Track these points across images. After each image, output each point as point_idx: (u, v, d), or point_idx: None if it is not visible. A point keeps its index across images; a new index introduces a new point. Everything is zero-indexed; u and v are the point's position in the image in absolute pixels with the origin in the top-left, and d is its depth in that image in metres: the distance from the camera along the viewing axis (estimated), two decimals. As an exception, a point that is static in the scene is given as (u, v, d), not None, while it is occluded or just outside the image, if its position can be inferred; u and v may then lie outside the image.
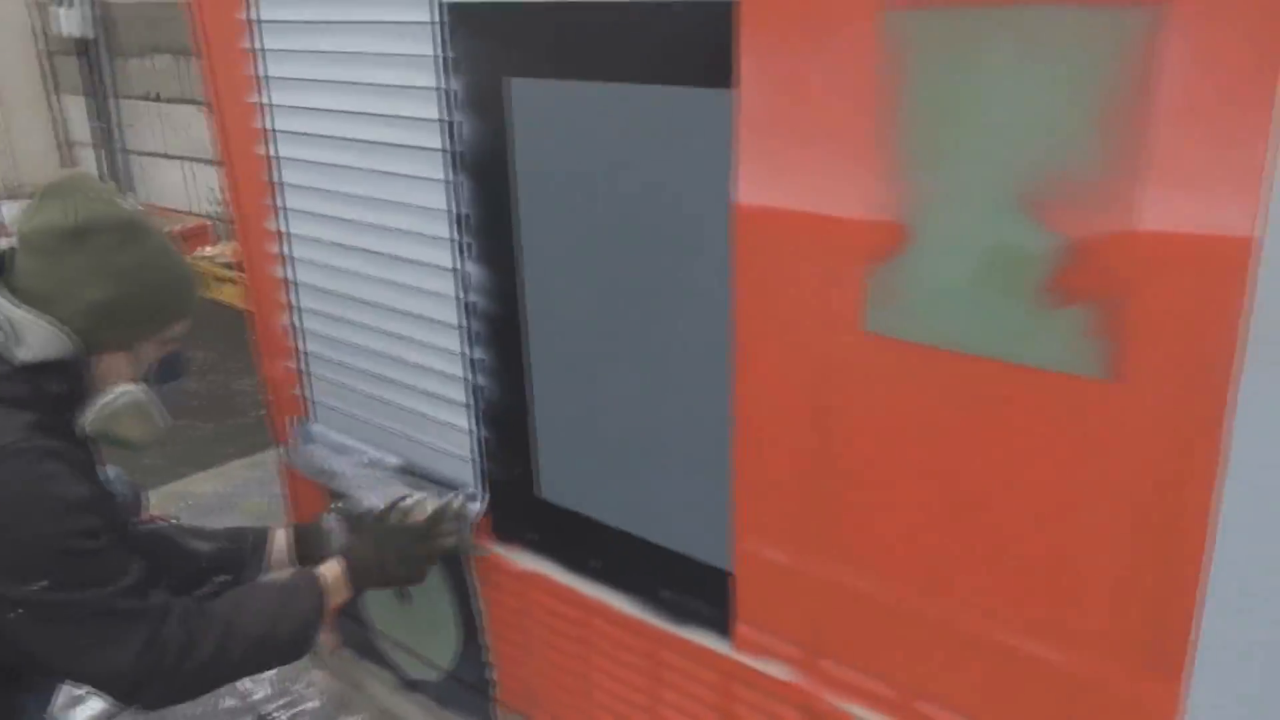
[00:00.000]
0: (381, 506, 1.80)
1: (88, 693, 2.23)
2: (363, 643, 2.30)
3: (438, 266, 1.69)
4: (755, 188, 1.25)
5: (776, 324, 1.29)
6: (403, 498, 1.81)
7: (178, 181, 6.28)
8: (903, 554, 1.27)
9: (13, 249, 1.49)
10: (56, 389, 1.45)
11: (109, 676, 1.41)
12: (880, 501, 1.27)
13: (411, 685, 2.21)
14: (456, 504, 1.79)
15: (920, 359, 1.18)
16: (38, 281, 1.44)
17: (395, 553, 1.70)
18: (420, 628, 2.11)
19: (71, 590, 1.36)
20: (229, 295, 5.23)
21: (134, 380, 1.52)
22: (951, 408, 1.17)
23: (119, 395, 1.50)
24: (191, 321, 1.58)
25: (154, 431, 1.55)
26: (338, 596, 1.65)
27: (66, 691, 2.13)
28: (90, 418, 1.49)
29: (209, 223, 6.00)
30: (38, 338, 1.42)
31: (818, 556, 1.36)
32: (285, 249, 1.98)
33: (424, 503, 1.78)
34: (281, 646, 1.55)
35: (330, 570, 1.65)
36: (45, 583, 1.34)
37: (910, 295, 1.16)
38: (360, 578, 1.67)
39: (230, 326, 4.89)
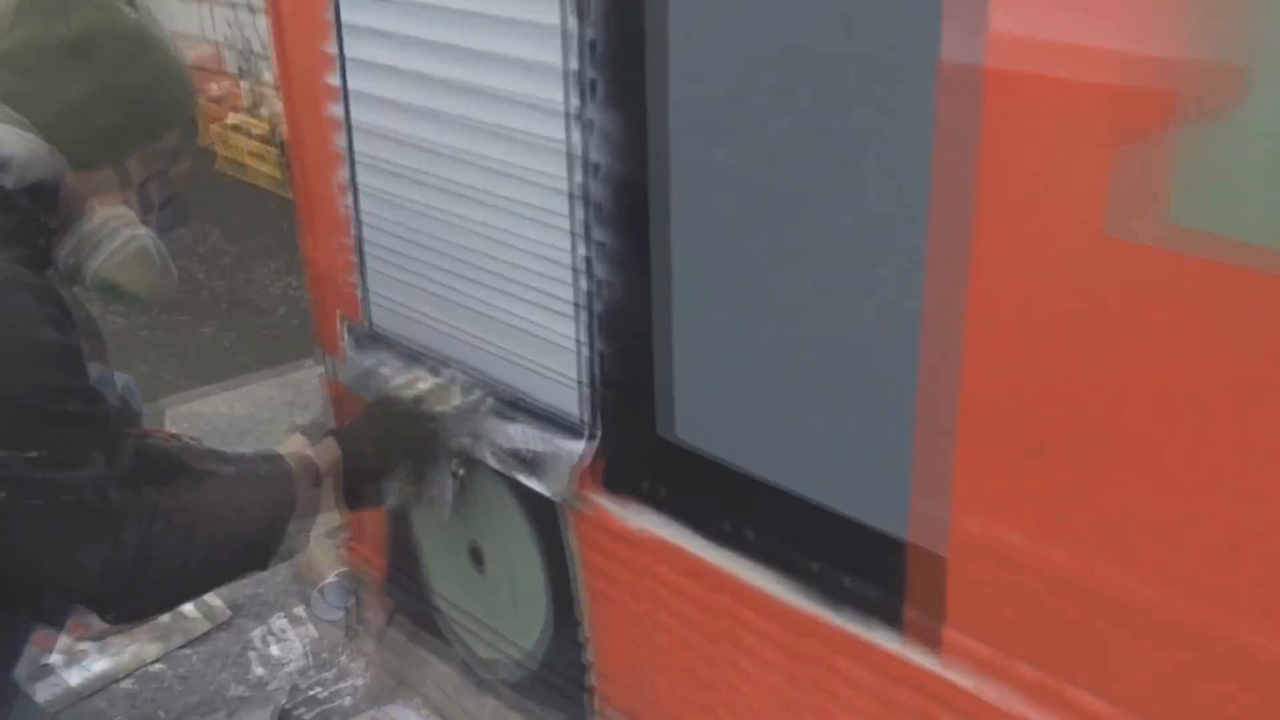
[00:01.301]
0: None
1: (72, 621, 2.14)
2: (422, 617, 2.17)
3: (541, 109, 1.47)
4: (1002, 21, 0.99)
5: (1010, 224, 1.07)
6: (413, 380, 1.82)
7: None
8: (1169, 544, 1.06)
9: None
10: (45, 219, 1.42)
11: (96, 578, 1.35)
12: (1151, 472, 1.05)
13: (482, 671, 2.07)
14: (468, 397, 1.74)
15: (1243, 265, 0.91)
16: (23, 106, 1.41)
17: (377, 433, 1.71)
18: (498, 600, 1.97)
19: (49, 469, 1.31)
20: (261, 178, 4.92)
21: (140, 223, 1.51)
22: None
23: (128, 240, 1.48)
24: (184, 130, 1.57)
25: (162, 286, 1.55)
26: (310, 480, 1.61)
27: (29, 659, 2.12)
28: (98, 263, 1.46)
29: (221, 50, 5.68)
30: (25, 155, 1.37)
31: (1049, 538, 1.14)
32: (344, 111, 1.82)
33: (417, 384, 1.78)
34: (255, 548, 1.53)
35: (310, 459, 1.63)
36: (25, 452, 1.29)
37: (1243, 170, 0.90)
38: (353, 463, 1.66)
39: (259, 215, 4.57)
